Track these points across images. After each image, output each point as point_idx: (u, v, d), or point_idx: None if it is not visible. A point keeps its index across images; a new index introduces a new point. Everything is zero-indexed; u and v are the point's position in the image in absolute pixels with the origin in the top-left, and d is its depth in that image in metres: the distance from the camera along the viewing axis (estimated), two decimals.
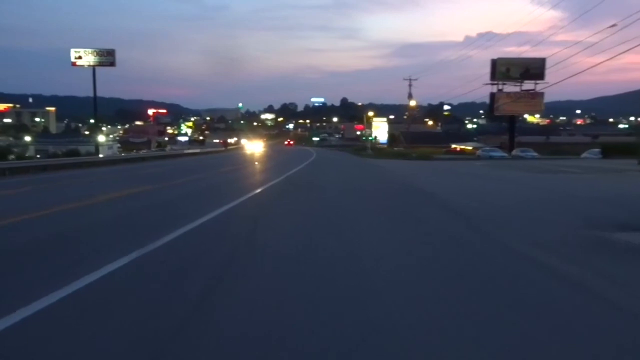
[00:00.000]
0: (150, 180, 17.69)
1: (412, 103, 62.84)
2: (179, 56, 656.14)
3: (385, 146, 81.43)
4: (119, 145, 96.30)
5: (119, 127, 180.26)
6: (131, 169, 27.05)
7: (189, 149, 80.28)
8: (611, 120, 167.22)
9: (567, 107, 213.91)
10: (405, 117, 71.08)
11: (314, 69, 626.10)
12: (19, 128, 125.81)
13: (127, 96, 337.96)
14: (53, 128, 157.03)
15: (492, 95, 51.87)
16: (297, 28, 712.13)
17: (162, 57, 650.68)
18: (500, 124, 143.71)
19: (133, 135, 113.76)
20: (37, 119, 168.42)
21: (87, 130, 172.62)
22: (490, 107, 52.33)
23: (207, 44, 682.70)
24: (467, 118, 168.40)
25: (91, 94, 56.54)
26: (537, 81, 50.78)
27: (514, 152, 41.68)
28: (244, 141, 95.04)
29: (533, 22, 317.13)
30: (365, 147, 61.07)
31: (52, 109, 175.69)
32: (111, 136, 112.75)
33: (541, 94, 51.57)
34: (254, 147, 68.25)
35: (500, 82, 51.79)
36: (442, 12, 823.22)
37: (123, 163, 35.09)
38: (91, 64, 55.99)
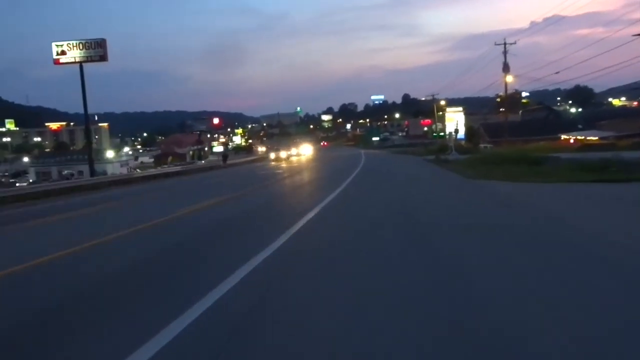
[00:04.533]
0: None
1: (509, 79, 43.17)
2: (243, 68, 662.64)
3: (464, 142, 62.72)
4: (152, 159, 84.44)
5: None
6: None
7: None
8: None
9: None
10: (498, 99, 51.95)
11: (374, 69, 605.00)
12: (60, 146, 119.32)
13: (192, 109, 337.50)
14: (107, 144, 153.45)
15: None
16: (356, 29, 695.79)
17: (227, 70, 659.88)
18: (601, 108, 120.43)
19: (153, 149, 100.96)
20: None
21: (139, 144, 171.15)
22: None
23: (270, 54, 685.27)
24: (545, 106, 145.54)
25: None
26: None
27: None
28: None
29: (605, 2, 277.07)
30: (448, 147, 41.93)
31: (105, 124, 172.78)
32: (126, 151, 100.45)
33: None
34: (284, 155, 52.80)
35: None
36: None
37: None
38: (78, 59, 44.15)
